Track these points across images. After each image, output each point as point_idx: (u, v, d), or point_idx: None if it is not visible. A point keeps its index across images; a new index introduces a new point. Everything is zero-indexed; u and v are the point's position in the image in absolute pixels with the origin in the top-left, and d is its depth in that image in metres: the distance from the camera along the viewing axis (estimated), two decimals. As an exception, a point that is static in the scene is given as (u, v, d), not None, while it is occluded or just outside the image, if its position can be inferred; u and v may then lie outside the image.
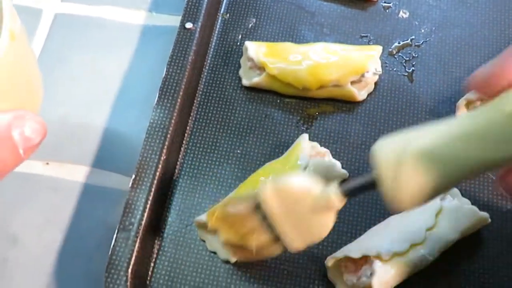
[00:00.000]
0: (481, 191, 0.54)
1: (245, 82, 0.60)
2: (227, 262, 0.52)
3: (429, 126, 0.36)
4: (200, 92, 0.61)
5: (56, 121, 0.62)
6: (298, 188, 0.40)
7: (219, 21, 0.65)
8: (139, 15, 0.68)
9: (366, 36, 0.63)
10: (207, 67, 0.62)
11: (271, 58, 0.58)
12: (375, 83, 0.60)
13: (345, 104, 0.59)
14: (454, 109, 0.58)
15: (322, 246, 0.52)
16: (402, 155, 0.35)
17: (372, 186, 0.38)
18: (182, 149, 0.58)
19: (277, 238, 0.42)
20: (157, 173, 0.53)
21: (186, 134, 0.58)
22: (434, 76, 0.61)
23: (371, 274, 0.47)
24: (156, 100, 0.57)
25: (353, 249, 0.49)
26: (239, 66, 0.62)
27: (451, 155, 0.34)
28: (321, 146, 0.56)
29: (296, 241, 0.42)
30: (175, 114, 0.56)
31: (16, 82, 0.33)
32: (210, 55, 0.63)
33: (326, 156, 0.54)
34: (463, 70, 0.61)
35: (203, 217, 0.52)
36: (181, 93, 0.57)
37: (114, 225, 0.52)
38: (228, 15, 0.65)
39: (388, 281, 0.47)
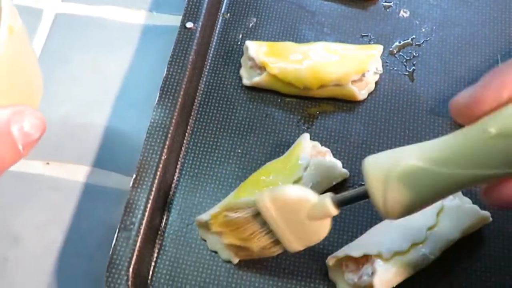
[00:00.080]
0: (482, 190, 0.54)
1: (246, 81, 0.60)
2: (228, 261, 0.52)
3: (415, 145, 0.39)
4: (201, 92, 0.61)
5: (56, 121, 0.62)
6: (294, 197, 0.44)
7: (220, 20, 0.65)
8: (139, 14, 0.68)
9: (367, 36, 0.63)
10: (207, 67, 0.62)
11: (272, 57, 0.58)
12: (376, 83, 0.60)
13: (346, 103, 0.59)
14: (455, 108, 0.58)
15: (323, 245, 0.52)
16: (388, 174, 0.38)
17: (363, 197, 0.41)
18: (182, 148, 0.58)
19: (277, 241, 0.45)
20: (158, 173, 0.53)
21: (186, 134, 0.58)
22: (435, 76, 0.61)
23: (372, 273, 0.47)
24: (156, 100, 0.57)
25: (354, 248, 0.49)
26: (240, 66, 0.61)
27: (433, 175, 0.37)
28: (322, 145, 0.55)
29: (295, 244, 0.45)
30: (175, 113, 0.56)
31: (16, 78, 0.33)
32: (211, 55, 0.63)
33: (327, 156, 0.54)
34: (464, 69, 0.61)
35: (204, 217, 0.52)
36: (181, 93, 0.57)
37: (115, 224, 0.52)
38: (228, 14, 0.65)
39: (389, 280, 0.47)
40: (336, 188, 0.54)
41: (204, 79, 0.61)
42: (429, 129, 0.58)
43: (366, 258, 0.48)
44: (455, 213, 0.50)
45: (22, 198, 0.58)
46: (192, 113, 0.59)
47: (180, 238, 0.53)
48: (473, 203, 0.52)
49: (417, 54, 0.62)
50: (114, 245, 0.50)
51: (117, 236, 0.50)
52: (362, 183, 0.53)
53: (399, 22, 0.64)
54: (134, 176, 0.53)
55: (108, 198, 0.58)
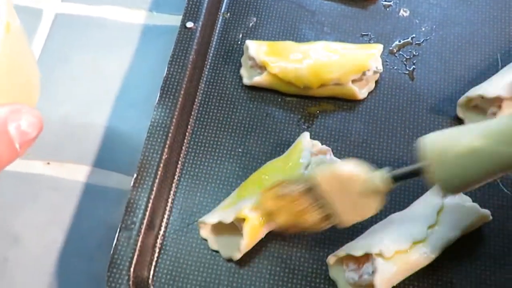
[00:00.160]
0: (482, 189, 0.54)
1: (246, 81, 0.60)
2: (229, 260, 0.52)
3: (473, 124, 0.42)
4: (201, 91, 0.61)
5: (57, 121, 0.62)
6: (348, 172, 0.44)
7: (220, 20, 0.65)
8: (139, 14, 0.68)
9: (367, 35, 0.63)
10: (208, 66, 0.62)
11: (272, 57, 0.58)
12: (376, 82, 0.60)
13: (346, 102, 0.59)
14: (455, 107, 0.58)
15: (323, 244, 0.52)
16: (447, 151, 0.40)
17: (417, 174, 0.42)
18: (183, 148, 0.58)
19: (328, 216, 0.46)
20: (159, 172, 0.54)
21: (187, 133, 0.58)
22: (435, 74, 0.61)
23: (373, 272, 0.47)
24: (157, 99, 0.57)
25: (355, 247, 0.49)
26: (240, 65, 0.62)
27: (492, 153, 0.39)
28: (322, 144, 0.56)
29: (347, 219, 0.46)
30: (176, 113, 0.56)
31: (13, 76, 0.33)
32: (211, 54, 0.63)
33: (327, 155, 0.54)
34: (463, 68, 0.61)
35: (207, 219, 0.52)
36: (182, 92, 0.58)
37: (115, 224, 0.52)
38: (228, 14, 0.65)
39: (390, 279, 0.48)
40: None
41: (205, 79, 0.61)
42: (429, 127, 0.58)
43: (367, 257, 0.48)
44: (455, 212, 0.50)
45: (22, 198, 0.58)
46: (193, 113, 0.59)
47: (181, 237, 0.53)
48: (473, 201, 0.52)
49: (417, 53, 0.62)
50: (115, 245, 0.50)
51: (118, 236, 0.50)
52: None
53: (399, 21, 0.64)
54: (135, 175, 0.53)
55: (108, 198, 0.58)
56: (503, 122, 0.40)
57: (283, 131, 0.58)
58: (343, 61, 0.58)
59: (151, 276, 0.52)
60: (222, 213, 0.51)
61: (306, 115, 0.59)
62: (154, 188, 0.53)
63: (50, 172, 0.59)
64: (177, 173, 0.56)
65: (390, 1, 0.65)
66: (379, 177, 0.43)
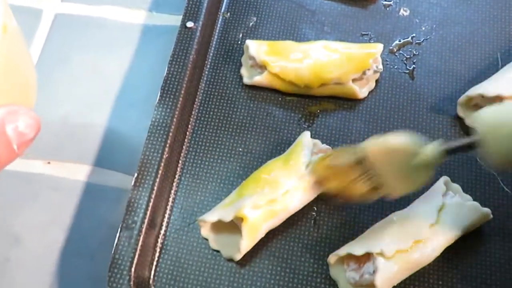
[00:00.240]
0: (483, 187, 0.54)
1: (247, 80, 0.60)
2: (230, 260, 0.52)
3: None
4: (202, 91, 0.61)
5: (57, 121, 0.62)
6: (401, 143, 0.45)
7: (220, 20, 0.65)
8: (139, 14, 0.68)
9: (367, 34, 0.63)
10: (208, 66, 0.62)
11: (272, 56, 0.58)
12: (376, 81, 0.60)
13: (347, 101, 0.59)
14: (455, 106, 0.58)
15: (324, 243, 0.53)
16: (500, 125, 0.41)
17: (471, 147, 0.43)
18: (184, 147, 0.58)
19: (378, 187, 0.47)
20: (159, 172, 0.54)
21: (187, 133, 0.58)
22: (435, 74, 0.61)
23: (374, 271, 0.47)
24: (157, 99, 0.57)
25: (356, 246, 0.49)
26: (240, 65, 0.62)
27: None
28: (322, 143, 0.56)
29: (397, 190, 0.47)
30: (176, 112, 0.56)
31: (10, 77, 0.33)
32: (211, 54, 0.63)
33: (328, 154, 0.54)
34: (463, 67, 0.61)
35: (207, 217, 0.52)
36: (182, 92, 0.58)
37: (116, 224, 0.52)
38: (229, 14, 0.65)
39: (391, 278, 0.48)
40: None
41: (205, 78, 0.61)
42: (430, 126, 0.58)
43: (367, 256, 0.48)
44: (456, 211, 0.50)
45: (22, 198, 0.58)
46: (193, 112, 0.59)
47: (181, 237, 0.53)
48: (474, 200, 0.52)
49: (417, 53, 0.62)
50: (116, 244, 0.50)
51: (119, 236, 0.50)
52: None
53: (399, 20, 0.64)
54: (136, 175, 0.53)
55: (109, 198, 0.58)
56: None
57: (283, 130, 0.58)
58: (343, 61, 0.58)
59: (152, 276, 0.52)
60: (221, 212, 0.51)
61: (306, 114, 0.59)
62: (155, 188, 0.53)
63: (51, 172, 0.59)
64: (177, 173, 0.56)
65: (390, 1, 0.65)
66: (431, 150, 0.44)
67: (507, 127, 0.40)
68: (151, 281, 0.51)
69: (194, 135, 0.58)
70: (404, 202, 0.53)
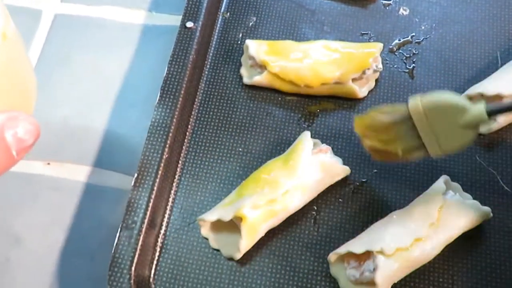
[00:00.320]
0: (483, 186, 0.54)
1: (246, 80, 0.60)
2: (230, 259, 0.52)
3: None
4: (201, 91, 0.61)
5: (57, 121, 0.62)
6: (447, 102, 0.45)
7: (220, 20, 0.65)
8: (139, 14, 0.68)
9: (367, 34, 0.63)
10: (208, 66, 0.62)
11: (272, 56, 0.58)
12: (376, 80, 0.60)
13: (346, 101, 0.59)
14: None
15: (324, 242, 0.53)
16: None
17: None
18: (183, 147, 0.58)
19: (420, 147, 0.47)
20: (159, 172, 0.54)
21: (187, 133, 0.58)
22: (434, 73, 0.61)
23: (374, 269, 0.47)
24: (157, 99, 0.57)
25: (356, 244, 0.49)
26: (240, 65, 0.62)
27: None
28: (322, 143, 0.56)
29: (440, 150, 0.47)
30: (176, 113, 0.56)
31: (10, 83, 0.33)
32: (211, 54, 0.63)
33: (328, 153, 0.54)
34: (463, 66, 0.61)
35: (204, 216, 0.52)
36: (182, 92, 0.58)
37: (116, 224, 0.52)
38: (228, 13, 0.65)
39: (391, 276, 0.48)
40: (337, 185, 0.54)
41: (205, 78, 0.61)
42: (430, 126, 0.58)
43: (368, 254, 0.48)
44: (456, 209, 0.50)
45: (23, 199, 0.58)
46: (193, 112, 0.59)
47: (181, 236, 0.53)
48: (474, 198, 0.52)
49: (416, 52, 0.62)
50: (116, 244, 0.50)
51: (119, 235, 0.51)
52: (363, 180, 0.54)
53: (399, 20, 0.64)
54: (136, 175, 0.53)
55: (109, 198, 0.58)
56: None
57: (283, 130, 0.58)
58: (343, 60, 0.58)
59: (152, 275, 0.52)
60: (221, 211, 0.51)
61: (306, 114, 0.59)
62: (155, 188, 0.53)
63: (51, 173, 0.59)
64: (177, 173, 0.56)
65: (390, 0, 0.65)
66: (476, 109, 0.44)
67: None
68: (151, 280, 0.51)
69: (194, 135, 0.58)
70: (404, 200, 0.53)
